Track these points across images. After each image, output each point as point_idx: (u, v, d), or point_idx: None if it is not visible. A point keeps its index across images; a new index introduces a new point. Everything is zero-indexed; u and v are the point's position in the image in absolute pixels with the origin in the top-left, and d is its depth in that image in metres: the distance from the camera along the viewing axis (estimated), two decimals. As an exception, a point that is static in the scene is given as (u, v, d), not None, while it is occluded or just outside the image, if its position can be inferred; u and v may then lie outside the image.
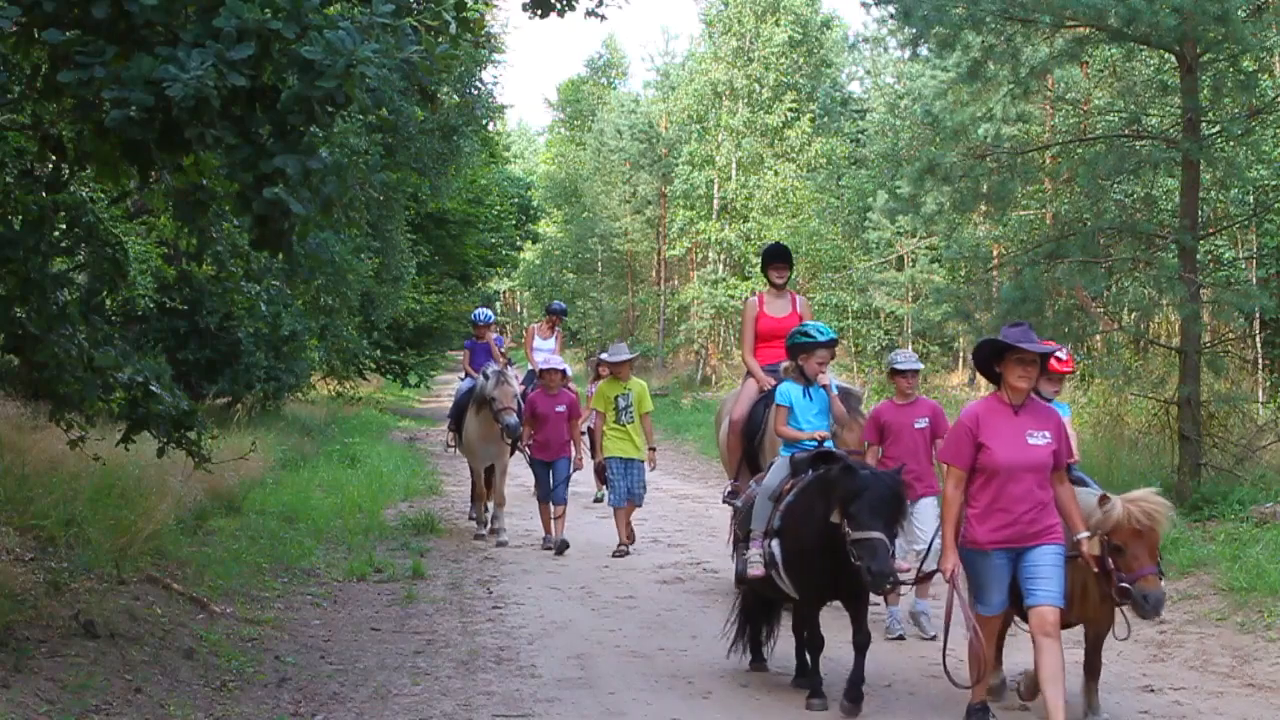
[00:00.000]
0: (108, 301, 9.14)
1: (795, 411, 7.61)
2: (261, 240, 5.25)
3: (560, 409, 11.68)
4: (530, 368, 14.64)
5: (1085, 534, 5.80)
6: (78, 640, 6.54)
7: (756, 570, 6.91)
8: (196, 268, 14.27)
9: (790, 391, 7.68)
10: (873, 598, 6.78)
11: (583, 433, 12.56)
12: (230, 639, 7.49)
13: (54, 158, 6.66)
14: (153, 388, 7.12)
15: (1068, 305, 12.58)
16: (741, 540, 7.43)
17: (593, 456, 11.98)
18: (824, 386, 7.73)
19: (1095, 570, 5.79)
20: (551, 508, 11.60)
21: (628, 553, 11.28)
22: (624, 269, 49.25)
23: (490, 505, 12.28)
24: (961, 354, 27.09)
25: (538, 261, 52.76)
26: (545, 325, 15.13)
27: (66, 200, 7.12)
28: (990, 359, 5.92)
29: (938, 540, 6.65)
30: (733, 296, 38.57)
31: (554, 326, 15.08)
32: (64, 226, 7.21)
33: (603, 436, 11.50)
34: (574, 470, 11.86)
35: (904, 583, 6.92)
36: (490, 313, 14.82)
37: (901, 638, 8.11)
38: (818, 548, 6.39)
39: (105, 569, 7.90)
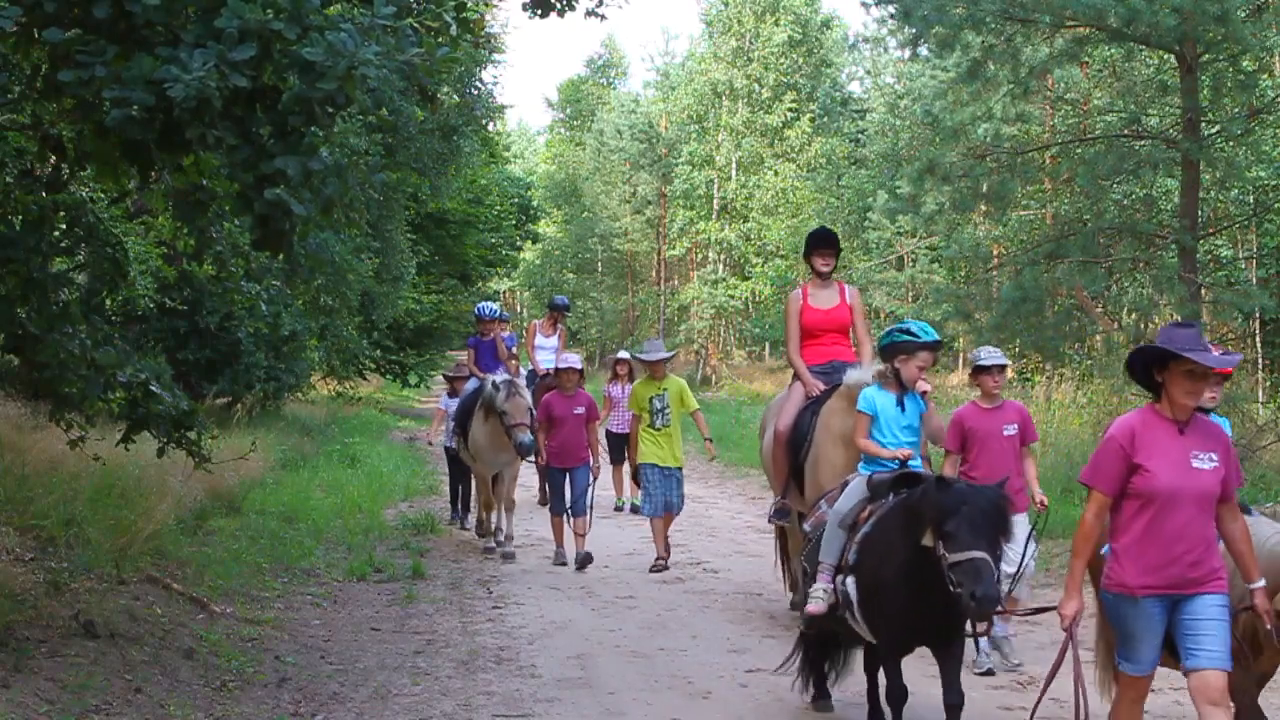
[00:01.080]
0: (108, 301, 9.14)
1: (881, 423, 6.60)
2: (262, 241, 5.25)
3: (579, 411, 10.76)
4: (530, 367, 14.32)
5: (1260, 582, 4.85)
6: (78, 640, 6.54)
7: (815, 607, 6.15)
8: (196, 268, 14.25)
9: (876, 399, 6.67)
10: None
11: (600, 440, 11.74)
12: (230, 639, 7.49)
13: (54, 158, 6.68)
14: (153, 388, 7.12)
15: (1068, 305, 12.61)
16: (809, 573, 6.40)
17: (629, 461, 11.49)
18: (922, 395, 6.70)
19: (1269, 627, 4.84)
20: (571, 521, 10.76)
21: (665, 567, 10.64)
22: (624, 269, 49.34)
23: (498, 513, 11.48)
24: (961, 355, 27.05)
25: (538, 261, 52.85)
26: (547, 322, 14.54)
27: (66, 200, 7.14)
28: (1150, 365, 4.91)
29: (1030, 563, 6.12)
30: (732, 296, 38.63)
31: (556, 323, 14.48)
32: (64, 226, 7.22)
33: (638, 441, 10.91)
34: (593, 479, 10.94)
35: (1009, 611, 6.10)
36: (495, 306, 13.67)
37: (991, 672, 7.27)
38: (901, 586, 5.54)
39: (105, 569, 7.90)
